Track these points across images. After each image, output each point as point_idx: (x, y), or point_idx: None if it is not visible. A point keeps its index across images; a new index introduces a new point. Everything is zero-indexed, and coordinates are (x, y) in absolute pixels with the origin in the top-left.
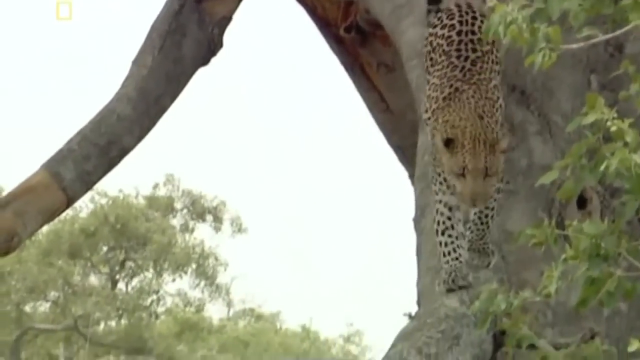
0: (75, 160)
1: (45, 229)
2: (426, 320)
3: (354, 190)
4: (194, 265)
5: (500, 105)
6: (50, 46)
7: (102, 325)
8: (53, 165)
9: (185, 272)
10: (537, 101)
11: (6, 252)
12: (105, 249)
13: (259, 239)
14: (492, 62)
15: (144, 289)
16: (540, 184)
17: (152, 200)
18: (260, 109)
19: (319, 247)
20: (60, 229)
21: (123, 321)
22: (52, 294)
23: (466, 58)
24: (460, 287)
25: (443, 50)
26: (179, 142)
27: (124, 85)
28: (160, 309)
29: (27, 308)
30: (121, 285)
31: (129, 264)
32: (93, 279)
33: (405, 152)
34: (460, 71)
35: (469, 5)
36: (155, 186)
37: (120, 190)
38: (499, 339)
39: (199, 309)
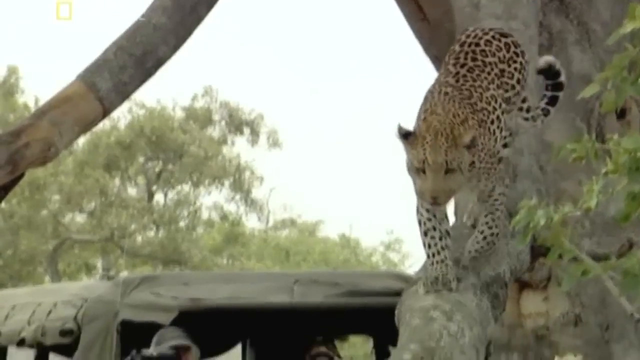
0: (111, 70)
1: (81, 140)
2: (462, 232)
3: (389, 103)
4: (230, 179)
5: (497, 117)
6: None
7: (139, 237)
8: (89, 76)
9: (222, 185)
10: (576, 9)
11: (43, 163)
12: (141, 160)
13: (295, 154)
14: (496, 75)
15: (180, 201)
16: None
17: (190, 112)
18: (298, 22)
19: (356, 161)
20: (97, 141)
21: (160, 233)
22: (89, 205)
23: (463, 65)
24: (437, 292)
25: (445, 62)
26: (217, 54)
27: None
28: (196, 221)
29: (64, 219)
30: (158, 197)
31: (166, 175)
32: (130, 191)
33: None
34: (454, 77)
35: (500, 30)
36: (194, 97)
37: (158, 101)
38: (536, 249)
39: (235, 222)
